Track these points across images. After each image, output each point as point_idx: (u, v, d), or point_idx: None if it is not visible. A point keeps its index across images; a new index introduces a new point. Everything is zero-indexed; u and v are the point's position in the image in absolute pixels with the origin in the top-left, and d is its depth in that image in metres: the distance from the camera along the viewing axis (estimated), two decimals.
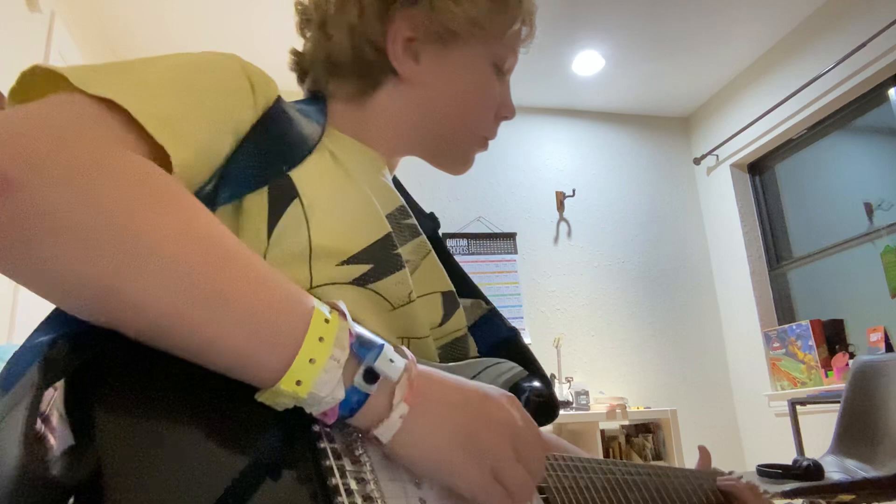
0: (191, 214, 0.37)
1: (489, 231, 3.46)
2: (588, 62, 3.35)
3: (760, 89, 3.36)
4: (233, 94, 0.50)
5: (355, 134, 0.64)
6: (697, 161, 3.80)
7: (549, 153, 3.72)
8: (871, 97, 2.88)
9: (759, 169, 3.59)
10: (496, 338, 0.68)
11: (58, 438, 0.30)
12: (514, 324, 2.92)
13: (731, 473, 0.82)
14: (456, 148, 0.70)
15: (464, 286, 0.70)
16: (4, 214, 0.32)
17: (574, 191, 3.62)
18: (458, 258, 3.28)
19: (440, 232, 0.79)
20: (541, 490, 0.54)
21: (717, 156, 3.69)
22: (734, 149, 3.55)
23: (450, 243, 3.38)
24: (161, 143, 0.40)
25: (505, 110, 0.72)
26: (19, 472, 0.28)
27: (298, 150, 0.54)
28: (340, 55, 0.64)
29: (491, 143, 0.74)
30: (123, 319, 0.35)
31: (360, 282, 0.50)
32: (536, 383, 0.60)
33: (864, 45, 2.69)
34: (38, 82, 0.43)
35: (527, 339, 3.27)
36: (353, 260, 0.50)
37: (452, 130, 0.68)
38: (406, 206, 0.62)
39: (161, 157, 0.41)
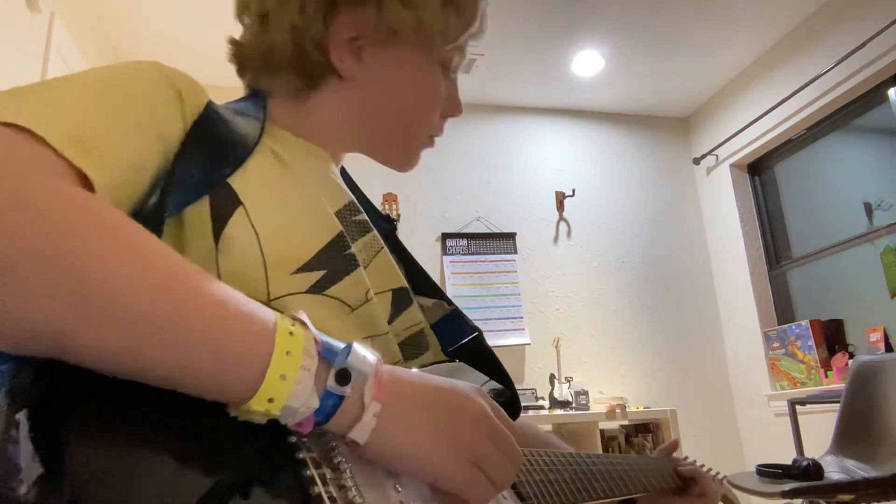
0: (134, 241, 0.36)
1: (489, 231, 3.46)
2: (588, 62, 3.35)
3: (760, 89, 3.36)
4: (156, 104, 0.48)
5: (297, 130, 0.63)
6: (697, 161, 3.80)
7: (548, 153, 3.72)
8: (871, 97, 2.88)
9: (758, 169, 3.59)
10: (459, 338, 0.67)
11: (25, 468, 0.29)
12: (514, 324, 2.89)
13: (686, 458, 0.90)
14: (400, 148, 0.69)
15: (425, 286, 0.70)
16: None
17: (574, 191, 3.62)
18: (457, 258, 3.32)
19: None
20: (513, 485, 0.56)
21: (717, 156, 3.69)
22: (734, 149, 3.55)
23: (449, 243, 3.38)
24: (78, 166, 0.38)
25: (451, 108, 0.70)
26: None
27: (237, 153, 0.52)
28: (280, 52, 0.61)
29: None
30: (77, 359, 0.33)
31: (316, 289, 0.50)
32: (497, 385, 0.60)
33: (863, 45, 2.69)
34: None
35: (526, 339, 3.27)
36: (307, 267, 0.50)
37: (396, 130, 0.67)
38: (355, 202, 0.61)
39: (83, 180, 0.39)
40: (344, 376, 0.39)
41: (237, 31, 0.66)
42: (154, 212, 0.46)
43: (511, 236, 3.47)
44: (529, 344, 3.28)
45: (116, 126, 0.43)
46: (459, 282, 3.30)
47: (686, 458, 0.90)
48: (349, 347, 0.40)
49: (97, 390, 0.34)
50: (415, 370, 0.47)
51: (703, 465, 0.91)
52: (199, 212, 0.48)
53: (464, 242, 3.40)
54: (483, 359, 0.64)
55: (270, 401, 0.35)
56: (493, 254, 3.41)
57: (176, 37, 2.95)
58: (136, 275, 0.34)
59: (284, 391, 0.36)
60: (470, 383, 0.47)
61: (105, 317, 0.32)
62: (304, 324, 0.39)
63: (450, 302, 0.70)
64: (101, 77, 0.45)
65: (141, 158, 0.45)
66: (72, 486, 0.29)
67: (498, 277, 3.36)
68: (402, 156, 0.70)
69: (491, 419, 0.44)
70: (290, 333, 0.38)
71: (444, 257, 3.34)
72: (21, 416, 0.30)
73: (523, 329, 3.29)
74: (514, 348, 3.26)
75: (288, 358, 0.36)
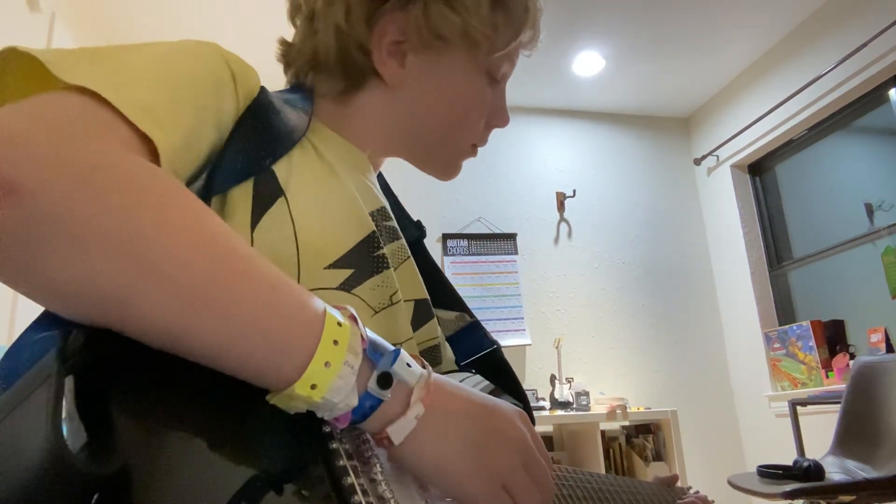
0: (199, 218, 0.37)
1: (489, 231, 3.46)
2: (588, 62, 3.35)
3: (761, 90, 3.36)
4: (213, 83, 0.49)
5: (339, 130, 0.63)
6: (698, 161, 3.80)
7: (549, 153, 3.72)
8: (872, 98, 2.88)
9: (759, 169, 3.59)
10: (477, 350, 0.67)
11: (70, 433, 0.30)
12: (515, 324, 2.89)
13: (689, 489, 0.85)
14: (443, 155, 0.69)
15: (448, 297, 0.69)
16: (11, 221, 0.31)
17: (574, 191, 3.62)
18: (458, 259, 3.32)
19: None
20: None
21: (718, 156, 3.68)
22: (734, 149, 3.55)
23: (450, 244, 3.38)
24: (145, 132, 0.39)
25: (497, 118, 0.70)
26: (49, 462, 0.27)
27: (283, 142, 0.53)
28: (325, 53, 0.62)
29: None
30: (133, 327, 0.34)
31: (346, 287, 0.50)
32: (508, 397, 0.59)
33: (864, 45, 2.69)
34: (8, 63, 0.41)
35: (527, 340, 3.27)
36: (339, 264, 0.50)
37: (439, 137, 0.67)
38: (387, 208, 0.61)
39: (146, 148, 0.40)
40: (386, 381, 0.38)
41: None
42: (201, 191, 0.47)
43: (512, 237, 3.47)
44: (530, 344, 3.28)
45: (178, 101, 0.44)
46: (460, 282, 3.29)
47: (690, 487, 0.87)
48: (397, 352, 0.40)
49: (145, 363, 0.34)
50: (463, 384, 0.46)
51: (706, 496, 0.88)
52: (243, 194, 0.48)
53: (464, 243, 3.40)
54: (500, 373, 0.64)
55: (313, 387, 0.35)
56: (494, 254, 3.41)
57: (177, 37, 2.95)
58: (197, 250, 0.35)
59: (328, 380, 0.36)
60: (515, 407, 0.46)
61: (165, 286, 0.33)
62: (353, 318, 0.39)
63: (471, 314, 0.69)
64: (164, 52, 0.46)
65: (196, 135, 0.45)
66: (123, 456, 0.30)
67: (499, 278, 3.36)
68: (443, 164, 0.70)
69: (529, 447, 0.44)
70: (339, 324, 0.37)
71: (445, 258, 3.34)
72: (68, 381, 0.31)
73: (524, 330, 3.29)
74: (514, 349, 3.26)
75: (334, 348, 0.36)
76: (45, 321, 0.36)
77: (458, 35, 0.61)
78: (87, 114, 0.38)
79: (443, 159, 0.70)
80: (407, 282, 0.59)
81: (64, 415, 0.29)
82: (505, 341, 3.22)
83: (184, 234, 0.35)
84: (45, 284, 0.33)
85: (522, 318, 3.30)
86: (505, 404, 0.45)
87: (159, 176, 0.37)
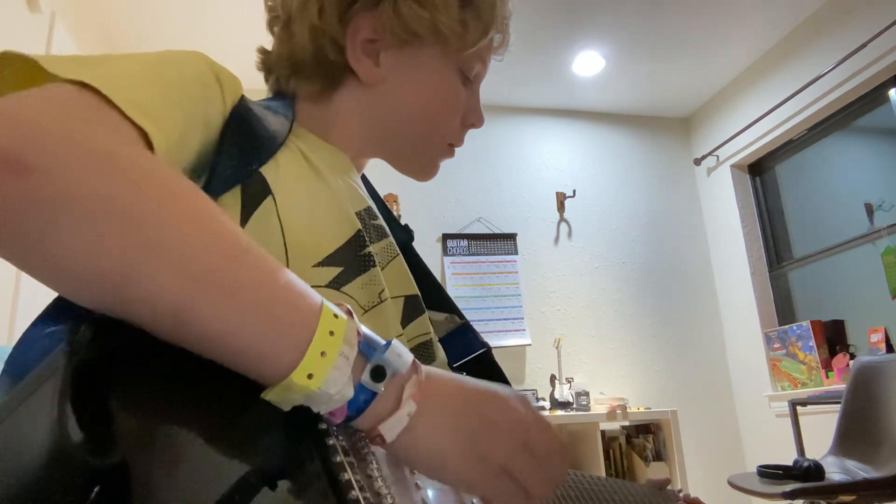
0: (203, 206, 0.38)
1: (490, 231, 3.46)
2: (588, 62, 3.36)
3: (761, 90, 3.36)
4: (202, 87, 0.50)
5: (320, 133, 0.64)
6: (698, 161, 3.80)
7: (549, 154, 3.72)
8: (872, 98, 2.88)
9: (759, 169, 3.59)
10: (468, 352, 0.67)
11: (76, 426, 0.30)
12: (515, 324, 2.89)
13: (679, 492, 0.85)
14: (420, 153, 0.70)
15: (438, 299, 0.70)
16: (21, 198, 0.32)
17: (574, 191, 3.62)
18: (458, 259, 3.32)
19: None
20: None
21: (718, 156, 3.69)
22: (734, 149, 3.55)
23: (450, 244, 3.38)
24: (143, 128, 0.40)
25: (472, 117, 0.71)
26: (55, 453, 0.27)
27: (268, 147, 0.54)
28: (302, 54, 0.64)
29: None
30: (135, 309, 0.34)
31: (335, 284, 0.51)
32: None
33: (864, 45, 2.69)
34: (5, 69, 0.43)
35: (527, 340, 3.27)
36: (327, 262, 0.51)
37: (415, 136, 0.68)
38: (373, 207, 0.62)
39: (143, 143, 0.41)
40: (379, 373, 0.39)
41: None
42: None
43: (512, 237, 3.47)
44: (530, 344, 3.28)
45: (169, 100, 0.45)
46: (460, 282, 3.30)
47: (680, 490, 0.88)
48: (388, 344, 0.40)
49: (150, 358, 0.35)
50: (450, 373, 0.46)
51: (698, 497, 0.88)
52: (232, 199, 0.50)
53: (464, 243, 3.40)
54: (490, 375, 0.64)
55: (310, 377, 0.35)
56: (494, 254, 3.41)
57: (176, 39, 2.95)
58: (202, 234, 0.36)
59: (324, 369, 0.36)
60: (513, 390, 0.46)
61: (171, 266, 0.34)
62: (349, 312, 0.40)
63: (462, 316, 0.70)
64: (154, 58, 0.48)
65: (187, 133, 0.47)
66: (120, 451, 0.30)
67: (499, 278, 3.36)
68: (420, 163, 0.71)
69: (528, 426, 0.43)
70: (335, 316, 0.38)
71: (445, 258, 3.34)
72: (76, 375, 0.31)
73: (524, 330, 3.29)
74: (514, 349, 3.26)
75: (330, 338, 0.37)
76: (53, 315, 0.37)
77: (429, 31, 0.62)
78: (89, 105, 0.39)
79: (420, 158, 0.71)
80: (396, 278, 0.60)
81: (71, 408, 0.29)
82: (505, 341, 3.22)
83: (191, 219, 0.36)
84: (54, 262, 0.33)
85: (522, 318, 3.30)
86: (502, 388, 0.45)
87: (165, 167, 0.38)
